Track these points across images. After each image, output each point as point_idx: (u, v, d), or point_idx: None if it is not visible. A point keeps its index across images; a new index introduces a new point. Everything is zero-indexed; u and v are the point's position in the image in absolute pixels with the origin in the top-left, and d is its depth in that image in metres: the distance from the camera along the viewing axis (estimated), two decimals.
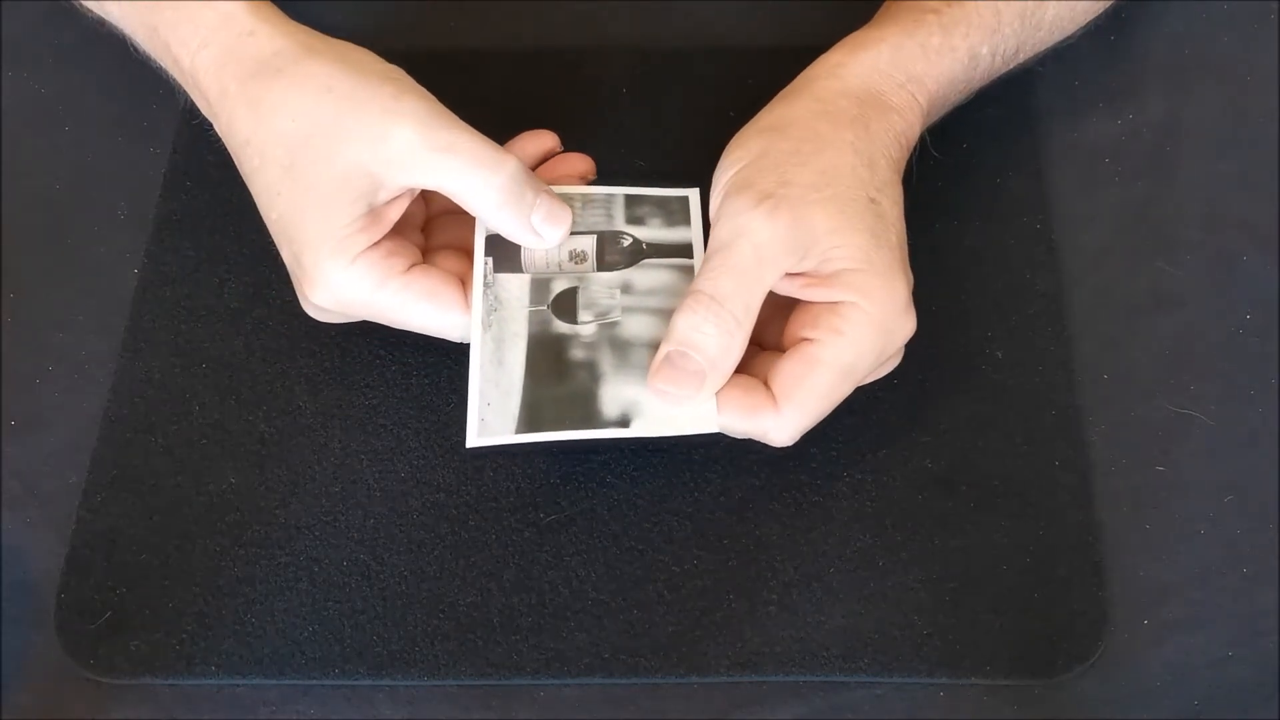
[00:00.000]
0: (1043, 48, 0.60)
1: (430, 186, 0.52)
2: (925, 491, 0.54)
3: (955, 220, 0.60)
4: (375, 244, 0.52)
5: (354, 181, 0.51)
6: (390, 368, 0.57)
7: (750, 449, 0.54)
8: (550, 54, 0.65)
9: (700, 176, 0.61)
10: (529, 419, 0.51)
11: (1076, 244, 0.60)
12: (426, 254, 0.55)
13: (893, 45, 0.55)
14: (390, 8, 0.67)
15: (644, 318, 0.53)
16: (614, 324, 0.53)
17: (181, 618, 0.52)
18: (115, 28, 0.60)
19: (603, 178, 0.59)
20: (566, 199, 0.56)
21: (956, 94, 0.57)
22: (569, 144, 0.61)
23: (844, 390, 0.51)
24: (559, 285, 0.54)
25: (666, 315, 0.52)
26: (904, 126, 0.54)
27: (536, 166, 0.59)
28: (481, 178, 0.52)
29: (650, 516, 0.54)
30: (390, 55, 0.65)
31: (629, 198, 0.57)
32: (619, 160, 0.62)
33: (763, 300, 0.50)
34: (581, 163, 0.59)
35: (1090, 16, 0.61)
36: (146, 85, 0.65)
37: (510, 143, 0.58)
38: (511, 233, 0.54)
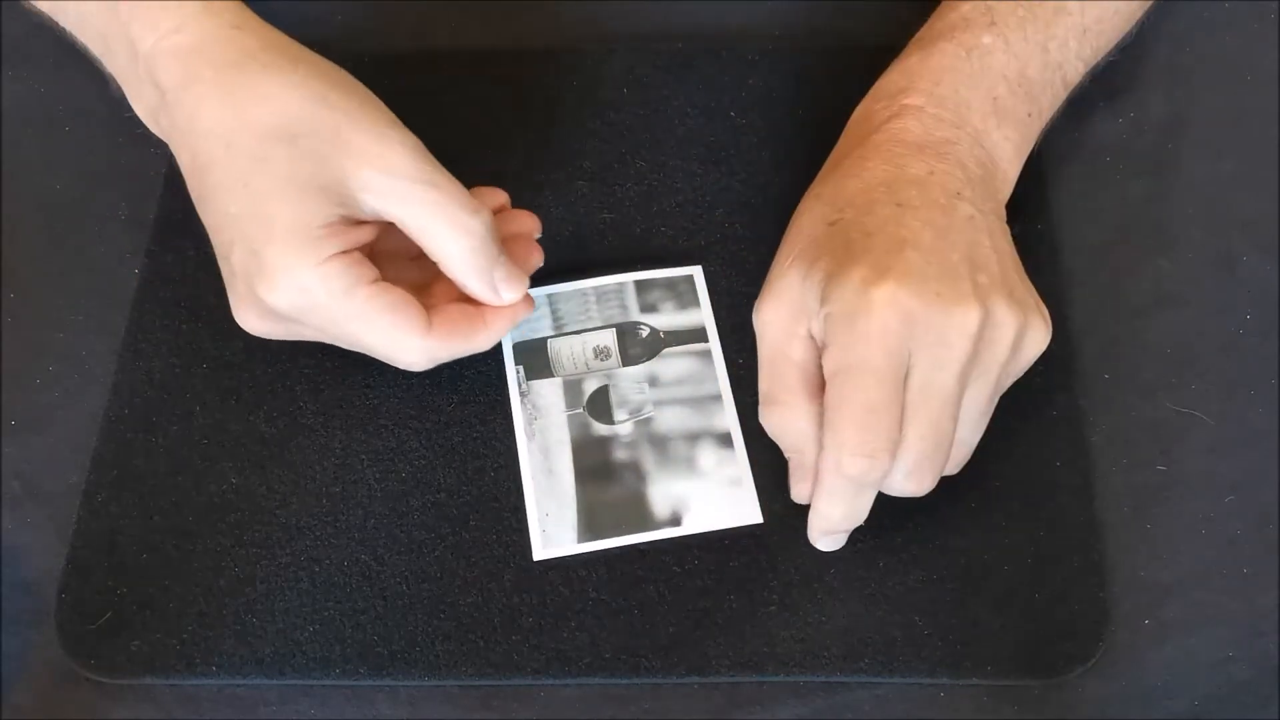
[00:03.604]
0: (1096, 44, 0.59)
1: (408, 218, 0.51)
2: None
3: None
4: (346, 251, 0.51)
5: (335, 190, 0.50)
6: (390, 368, 0.57)
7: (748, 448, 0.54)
8: (550, 54, 0.65)
9: (699, 177, 0.61)
10: (588, 527, 0.53)
11: (1077, 244, 0.60)
12: None
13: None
14: (392, 8, 0.67)
15: (675, 410, 0.56)
16: (648, 420, 0.55)
17: (182, 618, 0.52)
18: (47, 17, 0.58)
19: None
20: (580, 295, 0.58)
21: (962, 74, 0.56)
22: (570, 144, 0.61)
23: (876, 395, 0.49)
24: (590, 385, 0.56)
25: (694, 405, 0.56)
26: (882, 135, 0.54)
27: None
28: (461, 221, 0.51)
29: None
30: (392, 56, 0.65)
31: (639, 284, 0.58)
32: (619, 161, 0.62)
33: (803, 368, 0.52)
34: (530, 221, 0.57)
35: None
36: None
37: None
38: (473, 284, 0.52)
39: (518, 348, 0.57)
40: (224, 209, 0.51)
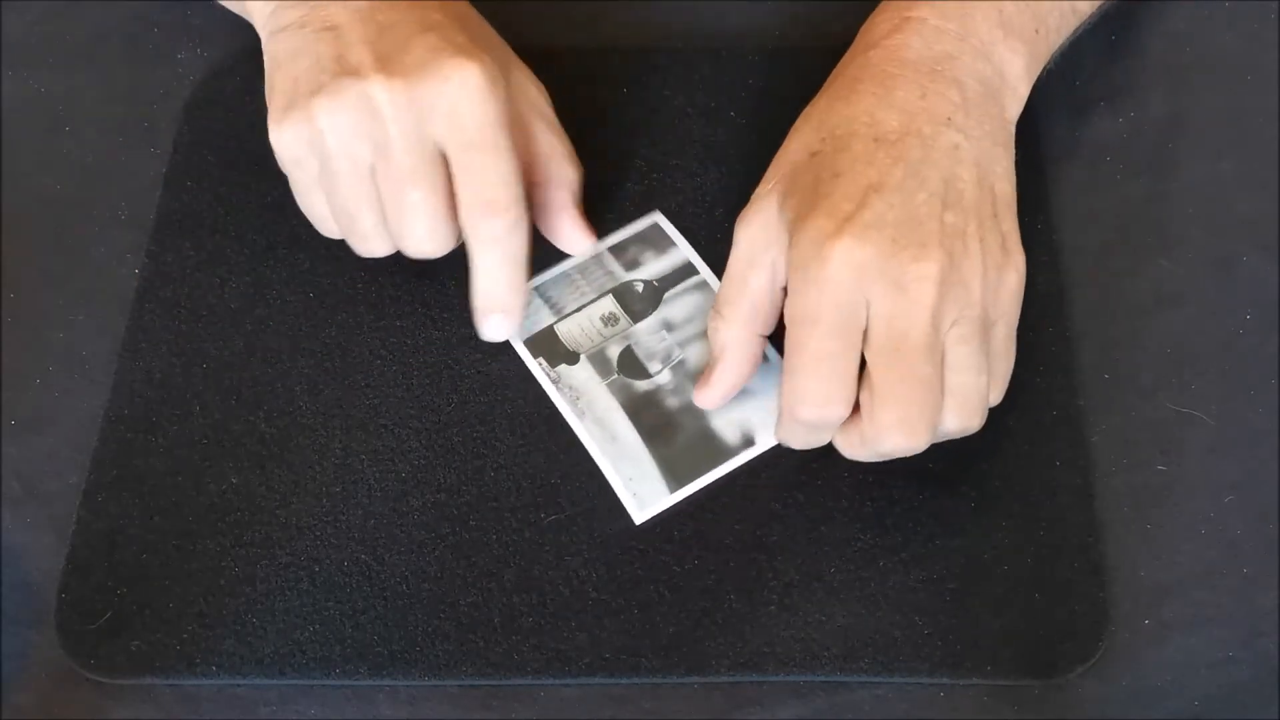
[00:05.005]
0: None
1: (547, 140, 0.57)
2: (925, 491, 0.54)
3: None
4: None
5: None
6: (390, 368, 0.57)
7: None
8: (550, 54, 0.65)
9: (699, 177, 0.62)
10: (674, 476, 0.54)
11: (1077, 244, 0.60)
12: None
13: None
14: None
15: (700, 344, 0.57)
16: (681, 362, 0.57)
17: (182, 618, 0.52)
18: None
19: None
20: (566, 278, 0.59)
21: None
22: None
23: (828, 345, 0.49)
24: (614, 350, 0.57)
25: None
26: (880, 52, 0.54)
27: None
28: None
29: (651, 516, 0.54)
30: None
31: (613, 249, 0.59)
32: (620, 160, 0.62)
33: (756, 293, 0.53)
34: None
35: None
36: (146, 85, 0.65)
37: None
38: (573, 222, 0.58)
39: (529, 342, 0.57)
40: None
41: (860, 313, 0.49)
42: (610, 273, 0.59)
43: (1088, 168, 0.62)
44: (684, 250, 0.59)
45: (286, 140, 0.53)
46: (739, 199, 0.60)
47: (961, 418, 0.50)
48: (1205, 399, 0.56)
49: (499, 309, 0.55)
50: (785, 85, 0.64)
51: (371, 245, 0.55)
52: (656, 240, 0.59)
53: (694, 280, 0.58)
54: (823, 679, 0.51)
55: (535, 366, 0.57)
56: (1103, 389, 0.56)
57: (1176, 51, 0.65)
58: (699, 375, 0.55)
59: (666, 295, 0.58)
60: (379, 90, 0.51)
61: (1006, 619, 0.51)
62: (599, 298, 0.58)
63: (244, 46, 0.65)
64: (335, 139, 0.52)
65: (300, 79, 0.52)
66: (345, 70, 0.51)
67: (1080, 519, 0.53)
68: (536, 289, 0.58)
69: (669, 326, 0.57)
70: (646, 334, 0.57)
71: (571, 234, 0.58)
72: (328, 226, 0.56)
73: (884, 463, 0.54)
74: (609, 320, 0.58)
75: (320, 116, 0.51)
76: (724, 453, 0.55)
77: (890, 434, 0.49)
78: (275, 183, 0.62)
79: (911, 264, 0.49)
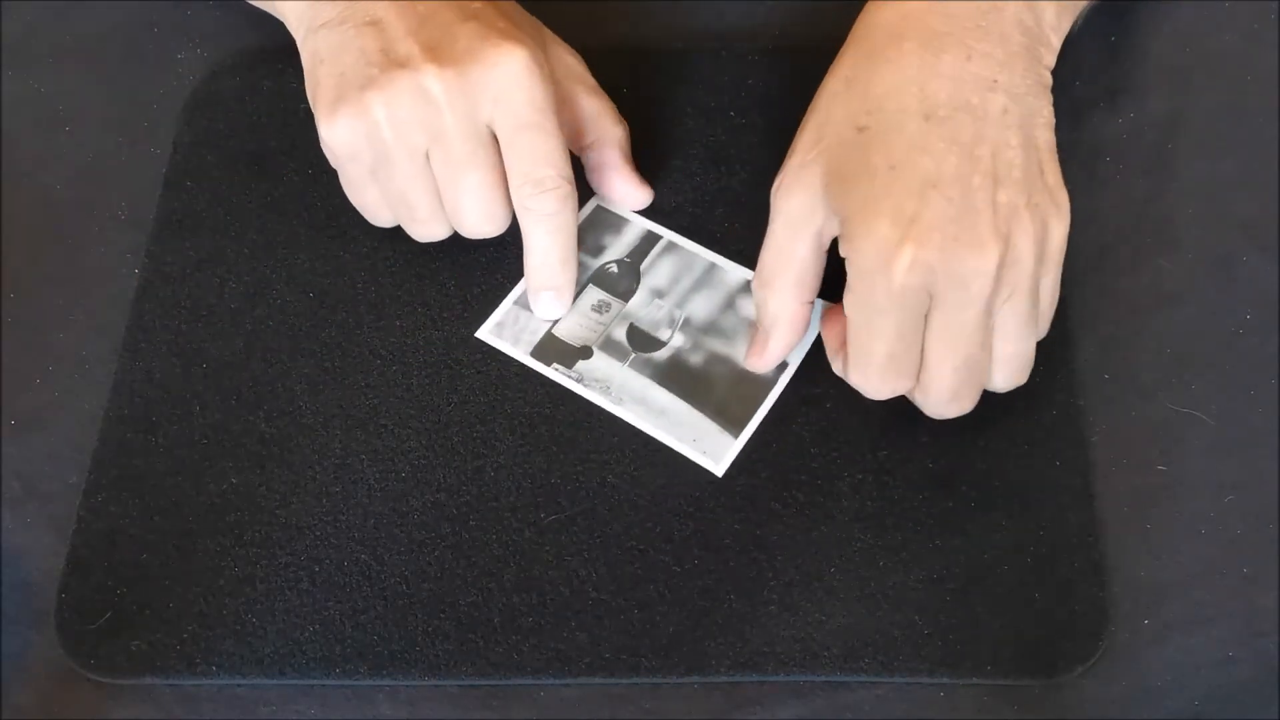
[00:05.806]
0: None
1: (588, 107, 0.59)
2: (925, 491, 0.54)
3: None
4: None
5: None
6: (391, 368, 0.57)
7: (749, 448, 0.54)
8: None
9: (699, 177, 0.62)
10: (731, 422, 0.55)
11: (1077, 243, 0.59)
12: None
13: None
14: None
15: (697, 298, 0.58)
16: (687, 320, 0.58)
17: (182, 618, 0.52)
18: None
19: None
20: None
21: None
22: None
23: (896, 344, 0.50)
24: (619, 333, 0.58)
25: (706, 285, 0.59)
26: (919, 4, 0.53)
27: None
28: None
29: (650, 516, 0.54)
30: None
31: None
32: None
33: (802, 264, 0.53)
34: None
35: None
36: (146, 85, 0.65)
37: None
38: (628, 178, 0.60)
39: (535, 353, 0.57)
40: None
41: (923, 306, 0.50)
42: (581, 264, 0.59)
43: (1088, 168, 0.61)
44: (638, 222, 0.60)
45: (340, 134, 0.54)
46: (739, 199, 0.61)
47: (1011, 378, 0.53)
48: (1205, 399, 0.56)
49: (551, 285, 0.57)
50: (785, 85, 0.64)
51: (430, 229, 0.57)
52: (608, 221, 0.60)
53: (661, 245, 0.59)
54: (823, 679, 0.51)
55: (553, 373, 0.57)
56: (1103, 389, 0.56)
57: (1176, 51, 0.65)
58: (707, 326, 0.57)
59: (642, 267, 0.59)
60: (432, 80, 0.52)
61: (1006, 619, 0.51)
62: (582, 290, 0.59)
63: (244, 46, 0.66)
64: (392, 130, 0.53)
65: (347, 74, 0.53)
66: (394, 62, 0.53)
67: (1080, 519, 0.53)
68: (515, 303, 0.58)
69: (659, 294, 0.58)
70: (642, 307, 0.58)
71: (625, 189, 0.60)
72: (380, 216, 0.57)
73: (884, 463, 0.54)
74: (601, 308, 0.58)
75: (375, 108, 0.53)
76: (765, 385, 0.56)
77: (942, 407, 0.52)
78: (275, 183, 0.62)
79: (971, 259, 0.49)
